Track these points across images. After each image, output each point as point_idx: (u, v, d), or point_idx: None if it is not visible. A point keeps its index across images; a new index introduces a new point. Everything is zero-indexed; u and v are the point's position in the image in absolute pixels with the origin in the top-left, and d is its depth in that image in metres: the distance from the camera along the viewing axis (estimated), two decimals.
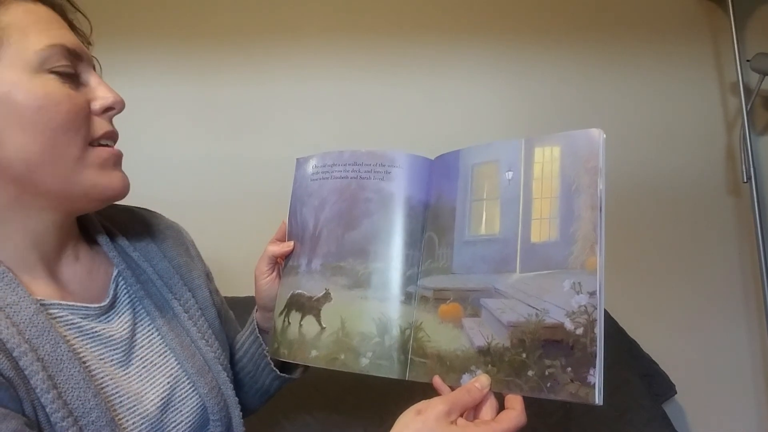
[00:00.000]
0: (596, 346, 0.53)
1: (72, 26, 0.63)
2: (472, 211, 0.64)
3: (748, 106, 1.41)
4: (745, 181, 1.40)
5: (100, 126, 0.60)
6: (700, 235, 1.49)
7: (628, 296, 1.44)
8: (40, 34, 0.56)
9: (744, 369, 1.48)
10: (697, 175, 1.49)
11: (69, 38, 0.58)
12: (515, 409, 0.55)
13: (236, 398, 0.71)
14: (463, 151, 0.67)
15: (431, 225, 0.68)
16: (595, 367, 0.52)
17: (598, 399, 0.52)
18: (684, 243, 1.49)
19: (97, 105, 0.60)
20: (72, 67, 0.58)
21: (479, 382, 0.57)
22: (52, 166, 0.56)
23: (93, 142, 0.60)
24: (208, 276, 0.81)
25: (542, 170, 0.60)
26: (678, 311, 1.47)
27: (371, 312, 0.66)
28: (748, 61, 1.39)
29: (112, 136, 0.62)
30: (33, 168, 0.56)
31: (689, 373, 1.42)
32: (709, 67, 1.51)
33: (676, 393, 1.35)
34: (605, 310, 1.43)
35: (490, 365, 0.58)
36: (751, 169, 1.40)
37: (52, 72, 0.56)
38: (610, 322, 1.33)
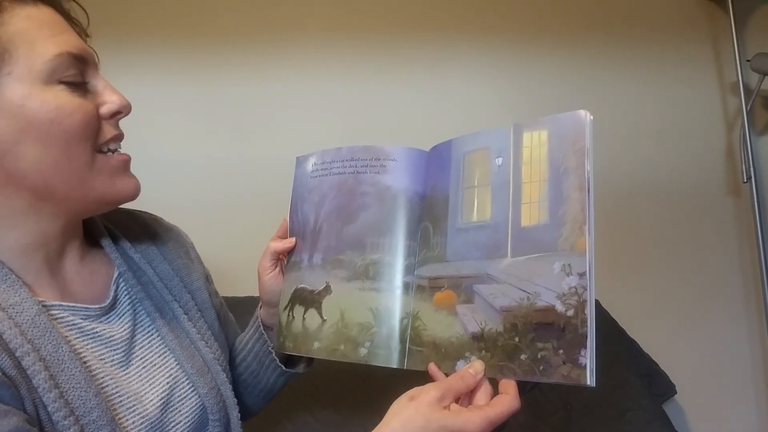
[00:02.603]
0: (587, 326, 0.53)
1: (69, 19, 0.63)
2: (464, 199, 0.65)
3: (748, 106, 1.42)
4: (745, 181, 1.40)
5: (107, 130, 0.61)
6: (700, 235, 1.49)
7: (628, 296, 1.44)
8: (46, 41, 0.56)
9: (744, 369, 1.48)
10: (697, 175, 1.49)
11: (73, 42, 0.59)
12: (509, 394, 0.55)
13: (235, 399, 0.71)
14: (455, 140, 0.68)
15: (427, 215, 0.69)
16: (586, 348, 0.52)
17: (589, 380, 0.52)
18: (684, 243, 1.49)
19: (105, 110, 0.60)
20: (80, 75, 0.58)
21: (473, 368, 0.57)
22: (67, 175, 0.57)
23: (101, 148, 0.60)
24: (208, 278, 0.82)
25: (531, 154, 0.60)
26: (678, 311, 1.48)
27: (369, 303, 0.67)
28: (748, 61, 1.40)
29: (119, 138, 0.63)
30: (48, 178, 0.56)
31: (689, 373, 1.42)
32: (709, 67, 1.51)
33: (676, 393, 1.35)
34: (605, 310, 1.43)
35: (483, 351, 0.58)
36: (751, 169, 1.40)
37: (62, 82, 0.56)
38: (609, 322, 1.33)
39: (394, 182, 0.70)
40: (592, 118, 0.57)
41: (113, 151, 0.62)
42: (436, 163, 0.69)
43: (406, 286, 0.67)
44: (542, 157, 0.59)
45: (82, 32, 0.65)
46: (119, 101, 0.61)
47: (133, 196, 0.64)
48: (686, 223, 1.49)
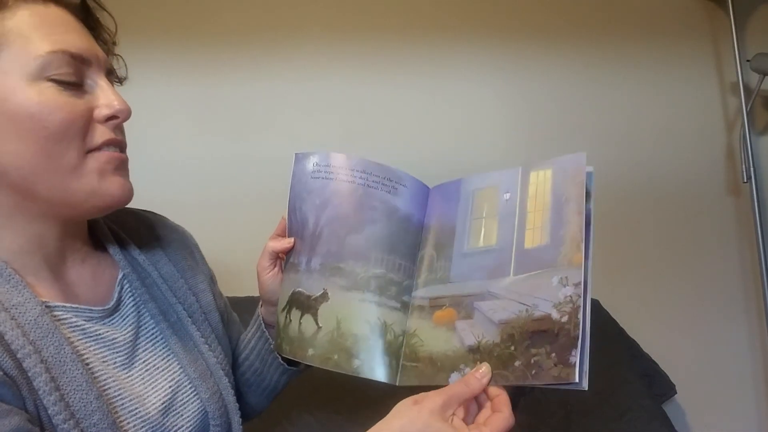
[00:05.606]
0: (579, 329, 0.54)
1: (94, 25, 0.62)
2: (472, 228, 0.68)
3: (748, 106, 1.41)
4: (745, 181, 1.40)
5: (101, 134, 0.58)
6: (700, 235, 1.49)
7: (628, 296, 1.44)
8: (43, 39, 0.54)
9: (744, 369, 1.48)
10: (697, 175, 1.49)
11: (75, 42, 0.56)
12: (502, 412, 0.55)
13: (236, 404, 0.71)
14: (465, 179, 0.71)
15: (431, 243, 0.70)
16: (577, 348, 0.53)
17: (577, 377, 0.52)
18: (684, 243, 1.49)
19: (100, 113, 0.58)
20: (75, 74, 0.56)
21: (478, 372, 0.57)
22: (47, 175, 0.55)
23: (93, 150, 0.58)
24: (212, 279, 0.81)
25: (536, 189, 0.65)
26: (678, 311, 1.48)
27: (367, 315, 0.67)
28: (748, 61, 1.40)
29: (113, 144, 0.59)
30: (27, 176, 0.55)
31: (689, 373, 1.42)
32: (709, 67, 1.51)
33: (676, 393, 1.35)
34: (606, 311, 1.43)
35: (478, 362, 0.59)
36: (751, 169, 1.40)
37: (50, 80, 0.54)
38: (610, 323, 1.33)
39: (402, 206, 0.71)
40: (586, 157, 0.62)
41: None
42: (443, 197, 0.72)
43: (404, 305, 0.68)
44: (546, 190, 0.63)
45: (110, 39, 0.64)
46: (117, 105, 0.58)
47: (122, 199, 0.60)
48: (686, 223, 1.49)
